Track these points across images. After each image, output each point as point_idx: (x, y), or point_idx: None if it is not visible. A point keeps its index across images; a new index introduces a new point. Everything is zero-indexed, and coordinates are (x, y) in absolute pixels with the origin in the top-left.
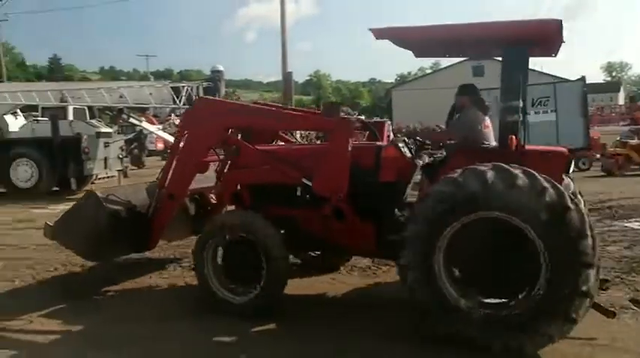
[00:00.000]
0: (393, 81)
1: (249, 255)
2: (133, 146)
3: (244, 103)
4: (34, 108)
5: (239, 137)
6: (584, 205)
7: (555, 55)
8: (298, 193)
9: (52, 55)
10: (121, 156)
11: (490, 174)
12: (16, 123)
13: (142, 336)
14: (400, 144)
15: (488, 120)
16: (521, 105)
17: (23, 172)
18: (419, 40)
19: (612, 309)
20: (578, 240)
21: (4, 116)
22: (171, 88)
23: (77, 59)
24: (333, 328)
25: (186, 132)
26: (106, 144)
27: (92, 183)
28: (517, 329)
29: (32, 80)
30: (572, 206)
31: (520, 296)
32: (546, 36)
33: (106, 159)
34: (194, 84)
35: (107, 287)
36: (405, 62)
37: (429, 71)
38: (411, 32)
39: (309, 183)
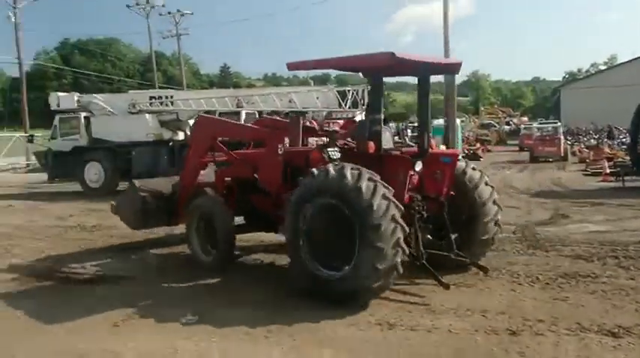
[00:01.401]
0: (560, 79)
1: (210, 226)
2: None
3: (225, 120)
4: (211, 113)
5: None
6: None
7: (457, 73)
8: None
9: (222, 64)
10: None
11: (331, 170)
12: None
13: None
14: (329, 149)
15: (385, 130)
16: (383, 117)
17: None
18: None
19: (446, 282)
20: (370, 214)
21: (189, 121)
22: (337, 91)
23: (244, 67)
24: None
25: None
26: None
27: None
28: (347, 286)
29: (205, 87)
30: (366, 187)
31: (348, 261)
32: (384, 65)
33: None
34: (359, 87)
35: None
36: (575, 59)
37: (602, 67)
38: (308, 64)
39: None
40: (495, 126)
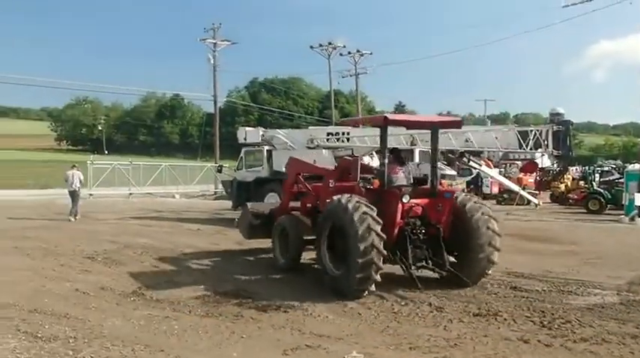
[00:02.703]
0: None
1: (286, 237)
2: (470, 188)
3: (303, 161)
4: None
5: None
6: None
7: (459, 127)
8: None
9: (397, 102)
10: None
11: (336, 199)
12: (371, 164)
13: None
14: (362, 184)
15: (398, 168)
16: (387, 162)
17: None
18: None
19: (418, 283)
20: (355, 235)
21: (363, 157)
22: (518, 131)
23: (418, 105)
24: None
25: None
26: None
27: None
28: (343, 281)
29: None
30: (356, 214)
31: (347, 265)
32: (381, 124)
33: None
34: (543, 127)
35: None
36: None
37: None
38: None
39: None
40: None
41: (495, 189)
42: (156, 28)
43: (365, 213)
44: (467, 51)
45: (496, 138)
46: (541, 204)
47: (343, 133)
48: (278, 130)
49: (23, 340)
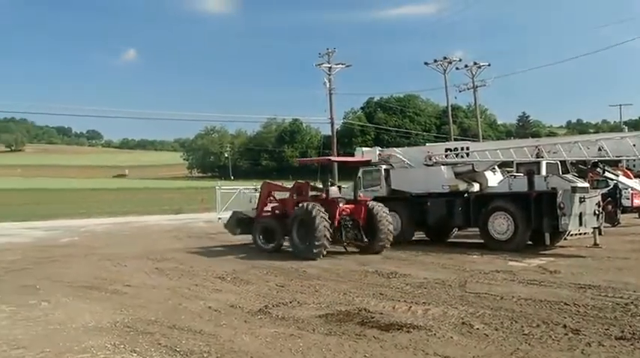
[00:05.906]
0: None
1: (271, 232)
2: (607, 201)
3: (274, 183)
4: (508, 164)
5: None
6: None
7: (369, 164)
8: None
9: (521, 114)
10: (597, 213)
11: (302, 204)
12: (494, 179)
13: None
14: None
15: (334, 188)
16: (329, 184)
17: (500, 225)
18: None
19: (346, 249)
20: (314, 224)
21: (484, 172)
22: None
23: (544, 115)
24: None
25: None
26: (582, 200)
27: (564, 239)
28: (307, 251)
29: (502, 138)
30: (314, 212)
31: (308, 241)
32: (327, 162)
33: (581, 215)
34: None
35: None
36: None
37: None
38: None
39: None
40: None
41: (638, 202)
42: (275, 57)
43: (318, 210)
44: (598, 54)
45: (634, 145)
46: None
47: (462, 148)
48: (394, 149)
49: (164, 353)
